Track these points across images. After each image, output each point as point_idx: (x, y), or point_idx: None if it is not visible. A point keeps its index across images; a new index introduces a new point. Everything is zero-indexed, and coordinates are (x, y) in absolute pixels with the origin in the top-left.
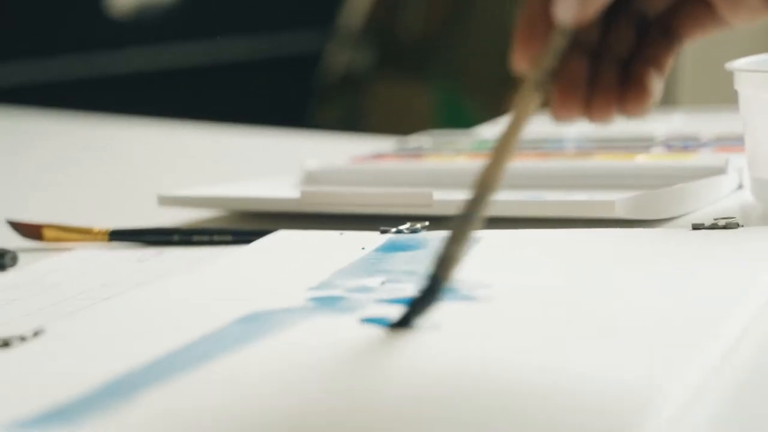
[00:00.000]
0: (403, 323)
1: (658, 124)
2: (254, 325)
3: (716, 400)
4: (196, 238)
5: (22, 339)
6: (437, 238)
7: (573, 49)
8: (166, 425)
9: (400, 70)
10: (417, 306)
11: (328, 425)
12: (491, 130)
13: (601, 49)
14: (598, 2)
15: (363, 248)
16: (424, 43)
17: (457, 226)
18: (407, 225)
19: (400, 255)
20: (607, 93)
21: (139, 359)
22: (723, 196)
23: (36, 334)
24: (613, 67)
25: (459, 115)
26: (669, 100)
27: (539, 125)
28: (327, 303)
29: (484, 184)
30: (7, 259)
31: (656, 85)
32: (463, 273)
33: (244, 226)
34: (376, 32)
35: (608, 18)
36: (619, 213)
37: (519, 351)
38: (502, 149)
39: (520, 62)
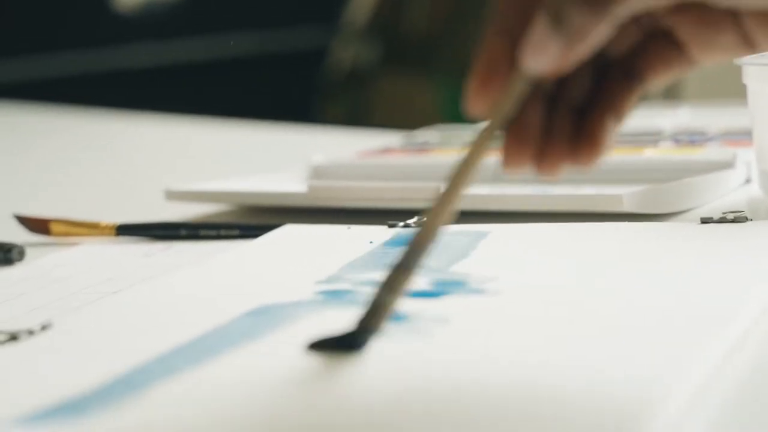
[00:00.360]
0: (319, 347)
1: (665, 118)
2: (263, 318)
3: (722, 395)
4: (203, 232)
5: (30, 333)
6: (444, 232)
7: (530, 95)
8: (176, 419)
9: (405, 66)
10: (336, 342)
11: (338, 418)
12: None
13: (556, 93)
14: (577, 55)
15: (371, 242)
16: (429, 39)
17: (393, 273)
18: (415, 219)
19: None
20: (560, 144)
21: (147, 353)
22: (731, 190)
23: (44, 328)
24: (567, 114)
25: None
26: (676, 95)
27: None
28: (335, 296)
29: (427, 228)
30: (15, 254)
31: (611, 135)
32: (471, 266)
33: (251, 220)
34: (380, 28)
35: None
36: (627, 207)
37: (527, 346)
38: (448, 193)
39: (475, 106)
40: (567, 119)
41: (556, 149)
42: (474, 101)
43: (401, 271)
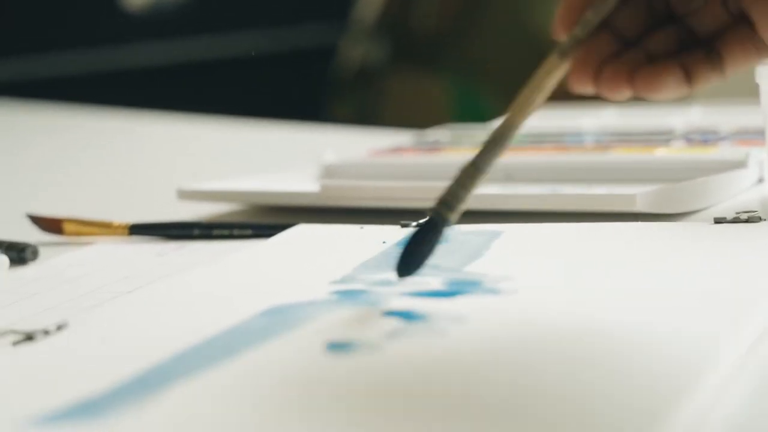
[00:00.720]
0: (405, 264)
1: (677, 117)
2: (278, 318)
3: (736, 397)
4: (216, 231)
5: (46, 333)
6: (458, 231)
7: (606, 31)
8: (194, 419)
9: (415, 64)
10: (417, 245)
11: (354, 416)
12: None
13: (637, 43)
14: None
15: (384, 242)
16: (438, 37)
17: (468, 170)
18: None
19: None
20: (620, 71)
21: (163, 353)
22: (743, 189)
23: (59, 327)
24: (641, 55)
25: (473, 108)
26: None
27: (559, 119)
28: (350, 296)
29: (499, 135)
30: (28, 253)
31: (674, 81)
32: (486, 266)
33: (263, 220)
34: (390, 26)
35: (653, 21)
36: (640, 207)
37: (544, 344)
38: (521, 105)
39: (559, 31)
40: (639, 57)
41: (616, 74)
42: (559, 26)
43: (473, 169)
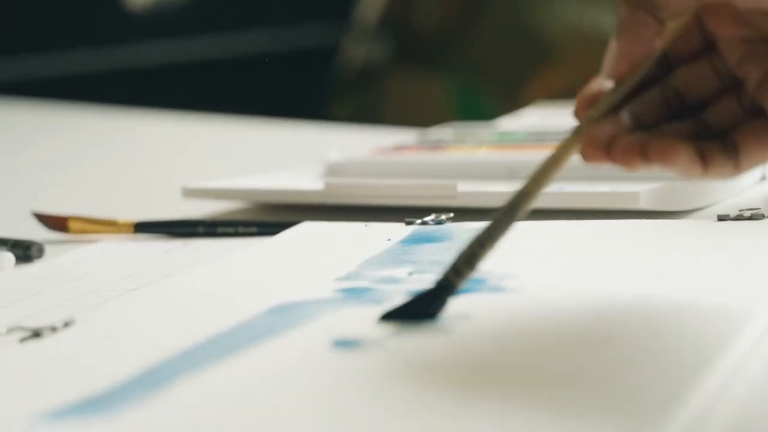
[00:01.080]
0: (396, 313)
1: None
2: (283, 316)
3: (739, 395)
4: (221, 229)
5: (53, 329)
6: (462, 229)
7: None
8: (200, 415)
9: (416, 64)
10: (418, 305)
11: (360, 413)
12: (511, 122)
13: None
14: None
15: (389, 239)
16: (440, 36)
17: (481, 238)
18: (432, 216)
19: (426, 246)
20: (632, 144)
21: (169, 350)
22: (746, 187)
23: (66, 324)
24: (654, 132)
25: (475, 107)
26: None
27: (561, 117)
28: (355, 294)
29: (513, 205)
30: (34, 251)
31: (687, 156)
32: (490, 264)
33: (268, 218)
34: (391, 26)
35: (669, 112)
36: (644, 204)
37: (549, 340)
38: (536, 179)
39: (579, 114)
40: (654, 133)
41: (633, 150)
42: (579, 109)
43: (486, 237)
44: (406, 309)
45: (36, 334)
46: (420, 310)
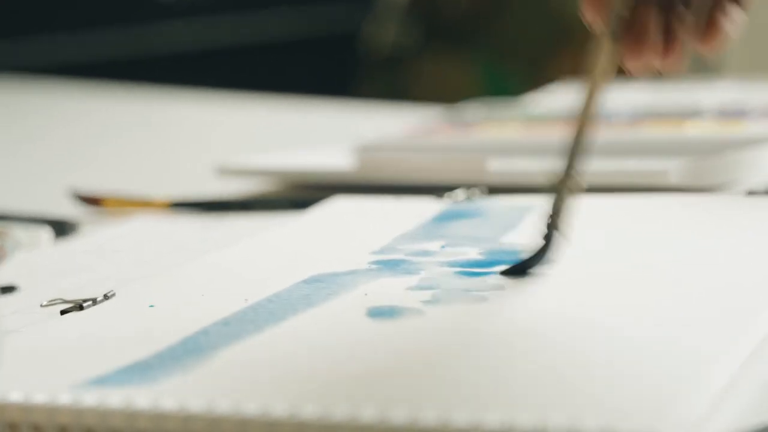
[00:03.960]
0: (518, 271)
1: (707, 93)
2: (320, 286)
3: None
4: (256, 206)
5: (94, 302)
6: (493, 204)
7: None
8: (241, 382)
9: (445, 45)
10: (534, 258)
11: (397, 378)
12: (539, 100)
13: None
14: None
15: (421, 215)
16: (469, 18)
17: (559, 183)
18: (464, 192)
19: (459, 222)
20: (678, 35)
21: (209, 320)
22: None
23: (107, 297)
24: (686, 15)
25: (503, 89)
26: (718, 69)
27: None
28: (390, 266)
29: (576, 140)
30: (70, 229)
31: (734, 22)
32: (521, 238)
33: (303, 195)
34: (420, 8)
35: None
36: (673, 181)
37: (580, 310)
38: (588, 106)
39: (588, 11)
40: (687, 17)
41: (676, 40)
42: (587, 5)
43: (567, 176)
44: (524, 264)
45: (77, 306)
46: (533, 263)
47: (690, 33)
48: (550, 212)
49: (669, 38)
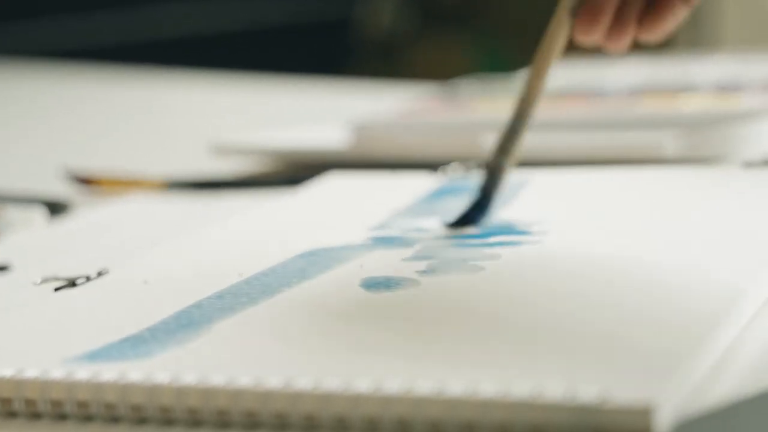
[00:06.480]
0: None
1: (704, 67)
2: (316, 259)
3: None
4: (251, 185)
5: (87, 279)
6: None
7: None
8: (237, 354)
9: (441, 28)
10: (470, 213)
11: (394, 349)
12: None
13: None
14: None
15: (417, 190)
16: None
17: (504, 138)
18: (458, 168)
19: (453, 198)
20: (628, 21)
21: (203, 293)
22: None
23: (100, 274)
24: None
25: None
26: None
27: (582, 71)
28: (386, 242)
29: (524, 101)
30: (66, 207)
31: (678, 15)
32: (516, 212)
33: (298, 173)
34: None
35: None
36: (668, 153)
37: (577, 275)
38: (537, 69)
39: None
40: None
41: (624, 25)
42: None
43: (510, 135)
44: (466, 216)
45: (71, 283)
46: (477, 213)
47: (636, 19)
48: (490, 168)
49: (619, 21)
